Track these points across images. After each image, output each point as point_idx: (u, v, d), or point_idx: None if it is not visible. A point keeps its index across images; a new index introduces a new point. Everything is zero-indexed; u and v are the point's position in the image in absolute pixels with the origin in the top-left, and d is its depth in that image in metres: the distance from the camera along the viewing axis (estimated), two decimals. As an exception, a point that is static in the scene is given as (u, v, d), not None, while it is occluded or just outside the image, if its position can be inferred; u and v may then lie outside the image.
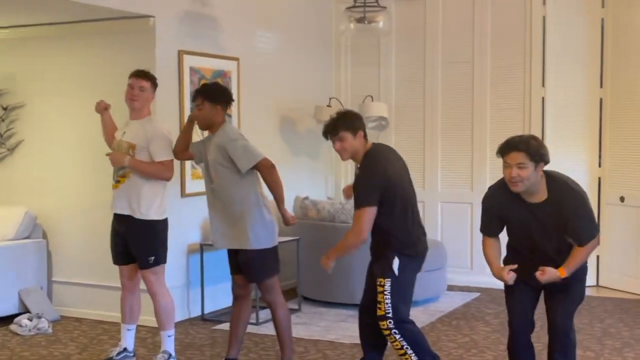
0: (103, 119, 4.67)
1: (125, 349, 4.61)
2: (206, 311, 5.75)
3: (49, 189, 5.88)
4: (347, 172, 7.26)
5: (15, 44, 5.98)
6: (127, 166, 4.34)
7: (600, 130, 6.74)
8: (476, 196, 6.78)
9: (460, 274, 6.87)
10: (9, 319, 5.49)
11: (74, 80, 5.71)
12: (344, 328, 5.39)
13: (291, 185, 6.34)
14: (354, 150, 3.78)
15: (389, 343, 3.87)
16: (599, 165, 6.77)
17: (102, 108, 4.65)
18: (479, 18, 6.88)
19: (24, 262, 5.70)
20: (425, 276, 6.05)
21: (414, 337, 3.77)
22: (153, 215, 4.40)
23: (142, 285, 4.58)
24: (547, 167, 3.52)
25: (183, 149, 4.44)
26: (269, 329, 5.02)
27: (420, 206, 7.09)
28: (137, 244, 4.42)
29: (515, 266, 3.52)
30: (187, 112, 5.57)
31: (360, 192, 3.70)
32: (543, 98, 6.70)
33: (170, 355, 4.49)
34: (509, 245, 3.68)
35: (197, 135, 4.73)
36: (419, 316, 5.67)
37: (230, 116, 4.72)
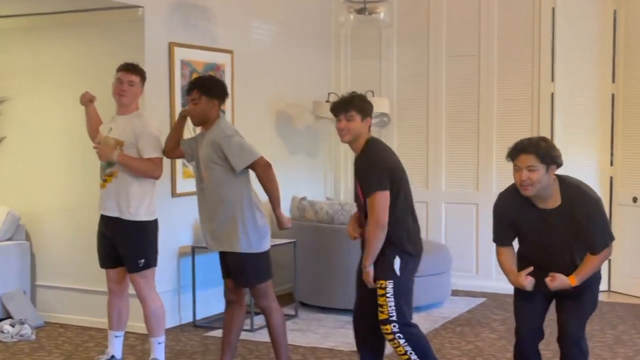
0: (87, 112, 4.65)
1: (112, 357, 4.58)
2: (198, 317, 5.72)
3: (33, 188, 5.84)
4: (347, 170, 7.23)
5: (-3, 35, 5.94)
6: (115, 162, 4.30)
7: (612, 127, 6.72)
8: (482, 196, 6.78)
9: (465, 279, 6.85)
10: (-10, 325, 5.46)
11: (59, 73, 5.67)
12: (343, 335, 5.36)
13: (288, 185, 6.30)
14: (357, 134, 3.78)
15: (386, 348, 3.84)
16: (611, 164, 6.74)
17: (87, 100, 4.63)
18: (485, 9, 6.85)
19: (6, 265, 5.66)
20: (429, 280, 6.05)
21: (418, 342, 3.76)
22: (142, 215, 4.37)
23: (131, 290, 4.55)
24: (559, 171, 3.51)
25: (174, 147, 4.41)
26: (263, 336, 4.99)
27: (423, 207, 7.20)
28: (125, 246, 4.38)
29: (531, 269, 3.50)
30: (177, 108, 5.53)
31: (371, 177, 3.70)
32: (552, 93, 6.68)
33: (159, 363, 4.46)
34: (519, 254, 3.66)
35: (189, 131, 4.69)
36: (421, 322, 5.61)
37: (223, 112, 4.68)
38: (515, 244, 3.68)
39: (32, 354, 4.99)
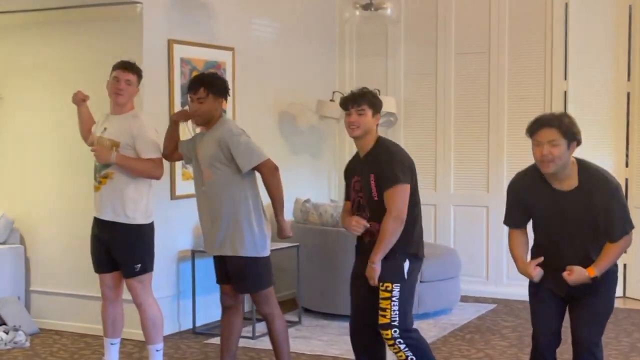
0: (80, 111, 4.66)
1: (109, 365, 4.58)
2: (198, 324, 5.72)
3: (27, 190, 5.85)
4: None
5: (-10, 32, 5.95)
6: (114, 163, 4.29)
7: (628, 127, 6.70)
8: (492, 199, 6.77)
9: (475, 284, 6.83)
10: (-17, 332, 5.47)
11: (54, 72, 5.68)
12: (348, 342, 5.30)
13: (291, 187, 6.28)
14: (367, 130, 3.79)
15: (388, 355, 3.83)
16: (626, 165, 6.73)
17: (80, 99, 4.64)
18: (495, 5, 6.84)
19: (-1, 270, 5.67)
20: (437, 286, 6.05)
21: (419, 347, 3.76)
22: (139, 219, 4.37)
23: (126, 295, 4.55)
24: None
25: (173, 151, 4.42)
26: (265, 343, 4.98)
27: (431, 209, 7.20)
28: (121, 250, 4.38)
29: (541, 259, 3.46)
30: (177, 106, 5.54)
31: (393, 169, 3.70)
32: (565, 92, 6.67)
33: (158, 371, 4.46)
34: (534, 247, 3.62)
35: (188, 131, 4.69)
36: (429, 329, 5.63)
37: (224, 111, 4.68)
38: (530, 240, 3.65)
39: (26, 361, 5.00)
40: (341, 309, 5.96)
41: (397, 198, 3.68)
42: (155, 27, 5.44)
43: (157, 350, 4.47)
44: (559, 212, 3.44)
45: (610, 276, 3.49)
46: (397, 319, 3.70)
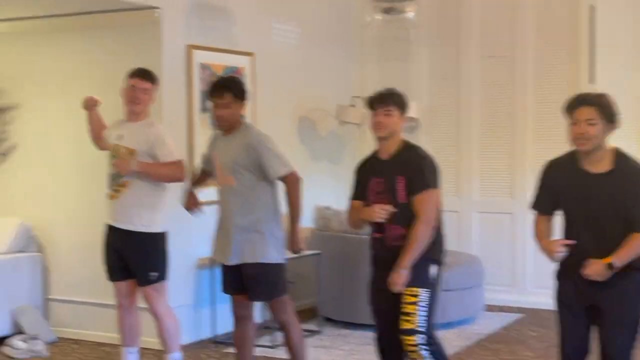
0: (90, 116, 4.71)
1: (128, 374, 4.62)
2: (218, 333, 5.74)
3: (45, 197, 5.91)
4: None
5: (8, 39, 6.04)
6: (137, 171, 4.32)
7: (657, 133, 6.65)
8: (517, 205, 6.74)
9: (500, 293, 6.80)
10: (0, 341, 5.52)
11: (72, 78, 5.74)
12: (370, 352, 5.33)
13: (311, 194, 6.29)
14: (394, 131, 3.80)
15: None
16: (655, 171, 6.67)
17: (92, 105, 4.68)
18: (520, 7, 6.82)
19: (17, 278, 5.73)
20: (461, 294, 6.03)
21: (441, 356, 3.76)
22: (156, 227, 4.42)
23: (142, 303, 4.57)
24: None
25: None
26: (284, 353, 4.98)
27: (453, 216, 7.17)
28: (137, 258, 4.42)
29: (571, 242, 3.40)
30: (196, 112, 5.58)
31: (424, 174, 3.72)
32: (592, 96, 6.63)
33: (177, 380, 4.50)
34: (565, 243, 3.53)
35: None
36: (454, 339, 5.62)
37: (243, 117, 4.71)
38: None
39: (45, 370, 5.05)
40: (362, 318, 5.96)
41: (429, 203, 3.70)
42: (174, 33, 5.49)
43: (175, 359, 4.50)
44: (585, 193, 3.42)
45: (635, 284, 3.42)
46: (424, 325, 3.70)
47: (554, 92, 6.75)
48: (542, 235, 3.54)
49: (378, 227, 3.81)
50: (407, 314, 3.71)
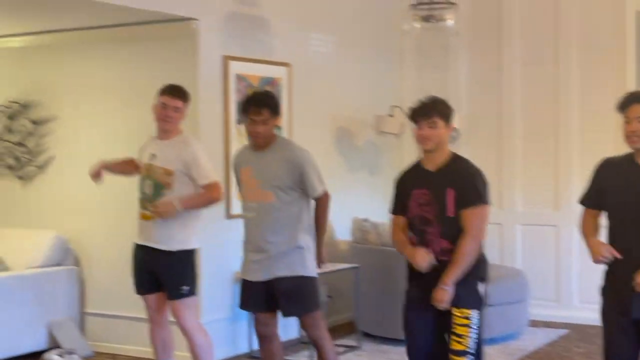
0: (111, 171, 4.79)
1: (164, 389, 4.66)
2: (254, 348, 5.75)
3: (82, 210, 5.99)
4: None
5: (45, 51, 6.15)
6: (180, 211, 4.34)
7: None
8: (561, 217, 6.67)
9: (545, 308, 6.74)
10: (37, 355, 5.59)
11: (109, 90, 5.83)
12: (410, 368, 5.32)
13: (348, 205, 6.32)
14: (440, 142, 3.70)
15: None
16: None
17: (96, 178, 4.78)
18: (563, 13, 6.77)
19: (54, 292, 5.80)
20: (504, 309, 5.97)
21: None
22: (190, 243, 4.47)
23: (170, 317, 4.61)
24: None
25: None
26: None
27: (495, 229, 7.12)
28: (170, 274, 4.45)
29: (619, 256, 3.37)
30: (232, 124, 5.63)
31: (477, 188, 3.66)
32: (639, 104, 6.55)
33: (213, 397, 4.52)
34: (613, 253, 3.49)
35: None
36: (497, 355, 5.57)
37: (279, 128, 4.76)
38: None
39: (81, 385, 5.11)
40: (402, 333, 5.91)
41: (479, 218, 3.65)
42: (211, 44, 5.54)
43: (209, 376, 4.53)
44: (635, 190, 3.41)
45: None
46: (475, 348, 3.66)
47: (600, 100, 6.68)
48: (589, 232, 3.55)
49: (421, 240, 3.71)
50: (459, 335, 3.65)
